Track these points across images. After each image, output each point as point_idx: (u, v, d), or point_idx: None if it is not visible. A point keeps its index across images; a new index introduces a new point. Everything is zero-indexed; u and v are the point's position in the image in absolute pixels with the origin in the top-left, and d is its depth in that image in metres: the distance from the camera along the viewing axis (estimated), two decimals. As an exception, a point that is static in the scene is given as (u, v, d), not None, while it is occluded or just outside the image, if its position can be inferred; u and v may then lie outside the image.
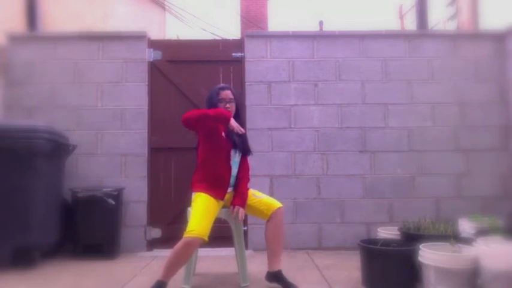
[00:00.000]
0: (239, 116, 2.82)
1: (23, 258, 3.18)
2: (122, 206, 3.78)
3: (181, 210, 3.53)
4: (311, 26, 14.90)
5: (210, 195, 2.56)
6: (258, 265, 3.25)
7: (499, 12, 7.28)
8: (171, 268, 2.41)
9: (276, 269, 2.65)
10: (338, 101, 3.98)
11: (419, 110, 3.99)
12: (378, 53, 4.03)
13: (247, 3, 12.33)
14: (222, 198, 2.64)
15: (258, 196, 2.75)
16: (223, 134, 2.64)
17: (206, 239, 2.41)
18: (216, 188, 2.60)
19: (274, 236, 2.64)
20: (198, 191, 2.59)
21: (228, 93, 2.74)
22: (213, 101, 2.72)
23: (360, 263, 2.77)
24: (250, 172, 3.85)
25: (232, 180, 2.72)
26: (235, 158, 2.74)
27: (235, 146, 2.70)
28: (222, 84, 2.91)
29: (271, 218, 2.64)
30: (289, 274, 3.05)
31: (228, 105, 2.70)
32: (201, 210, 2.48)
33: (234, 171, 2.75)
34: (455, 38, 4.13)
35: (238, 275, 2.76)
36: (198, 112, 2.60)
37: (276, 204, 2.68)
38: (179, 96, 4.01)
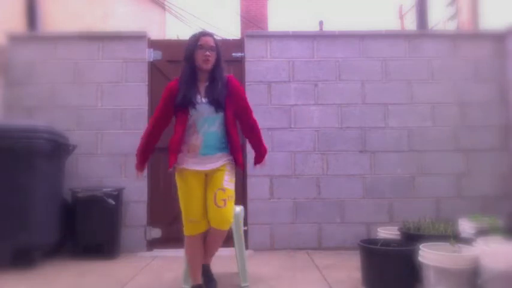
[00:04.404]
0: (219, 69, 2.46)
1: (23, 258, 3.18)
2: (122, 206, 3.78)
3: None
4: (311, 26, 14.91)
5: (185, 167, 2.45)
6: (258, 265, 3.26)
7: (499, 12, 7.29)
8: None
9: (206, 262, 2.62)
10: (338, 101, 3.98)
11: (419, 110, 3.99)
12: (378, 53, 4.03)
13: (247, 3, 12.33)
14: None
15: (218, 203, 2.36)
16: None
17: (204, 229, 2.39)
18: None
19: (209, 246, 2.51)
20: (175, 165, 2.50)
21: (209, 40, 2.42)
22: (189, 48, 2.42)
23: (360, 263, 2.77)
24: (250, 172, 3.89)
25: (210, 139, 2.43)
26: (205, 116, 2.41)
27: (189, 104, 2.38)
28: (203, 30, 2.54)
29: (212, 231, 2.42)
30: (289, 274, 3.06)
31: (207, 52, 2.38)
32: (183, 199, 2.44)
33: (209, 128, 2.43)
34: (455, 38, 4.13)
35: (238, 275, 2.76)
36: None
37: (222, 223, 2.36)
38: (179, 96, 4.01)
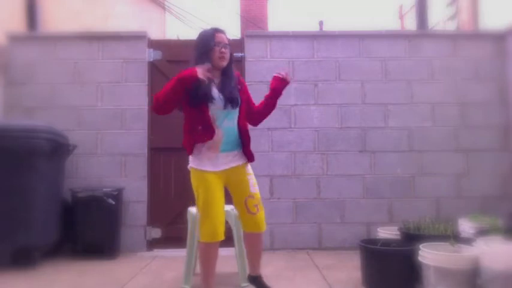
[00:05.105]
0: (232, 66, 2.42)
1: (23, 258, 3.19)
2: (122, 206, 3.78)
3: (181, 210, 3.54)
4: (311, 26, 14.90)
5: (205, 170, 2.32)
6: (258, 265, 3.25)
7: (499, 12, 7.29)
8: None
9: (255, 274, 2.55)
10: (338, 101, 3.98)
11: (419, 110, 3.99)
12: (378, 53, 4.03)
13: (247, 3, 12.32)
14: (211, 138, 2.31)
15: (251, 211, 2.40)
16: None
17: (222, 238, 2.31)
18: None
19: (251, 251, 2.54)
20: (192, 166, 2.37)
21: (223, 37, 2.38)
22: (209, 44, 2.32)
23: (360, 263, 2.77)
24: (251, 172, 3.87)
25: (230, 135, 2.37)
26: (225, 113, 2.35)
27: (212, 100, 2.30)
28: (216, 26, 2.46)
29: (248, 236, 2.50)
30: (289, 274, 3.06)
31: (223, 49, 2.34)
32: (203, 205, 2.30)
33: (229, 123, 2.37)
34: (455, 38, 4.14)
35: (238, 275, 2.76)
36: (164, 91, 2.25)
37: (260, 227, 2.44)
38: (179, 96, 4.01)
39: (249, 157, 2.47)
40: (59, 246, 3.55)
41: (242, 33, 10.73)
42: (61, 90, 3.94)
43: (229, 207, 2.75)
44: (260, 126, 3.95)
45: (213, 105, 2.31)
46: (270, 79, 3.91)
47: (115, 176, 3.88)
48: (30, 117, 3.84)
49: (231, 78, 2.40)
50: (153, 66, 4.04)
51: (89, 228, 3.56)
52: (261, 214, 2.44)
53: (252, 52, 4.02)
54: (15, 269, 3.11)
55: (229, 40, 2.42)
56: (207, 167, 2.34)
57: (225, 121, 2.36)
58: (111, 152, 3.91)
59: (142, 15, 9.20)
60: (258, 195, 2.46)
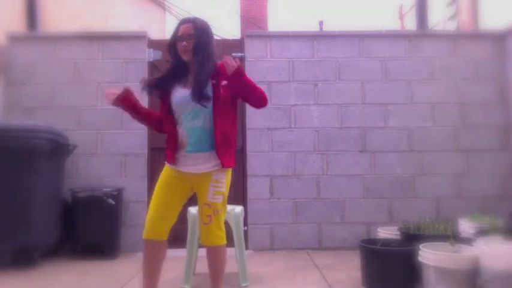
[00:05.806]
0: (199, 55, 2.13)
1: (23, 258, 3.18)
2: (122, 205, 3.78)
3: (181, 210, 3.53)
4: (311, 26, 14.90)
5: (170, 166, 2.24)
6: (258, 265, 3.26)
7: (499, 12, 7.28)
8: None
9: None
10: (338, 101, 3.98)
11: (419, 110, 3.99)
12: (378, 53, 4.03)
13: (247, 3, 12.32)
14: (173, 161, 2.20)
15: (203, 220, 2.18)
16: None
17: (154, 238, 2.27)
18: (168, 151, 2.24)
19: (209, 268, 2.29)
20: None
21: (187, 28, 2.14)
22: (173, 38, 2.22)
23: (360, 263, 2.77)
24: (250, 172, 3.89)
25: (194, 135, 2.15)
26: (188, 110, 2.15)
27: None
28: (186, 16, 2.29)
29: (206, 250, 2.25)
30: (289, 274, 3.07)
31: (184, 42, 2.12)
32: (152, 201, 2.27)
33: (193, 122, 2.15)
34: (455, 38, 4.14)
35: (238, 275, 2.76)
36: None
37: (208, 240, 2.20)
38: (179, 96, 4.01)
39: (222, 162, 2.15)
40: (59, 246, 3.55)
41: (242, 33, 10.73)
42: (61, 90, 3.94)
43: (228, 208, 2.75)
44: (260, 126, 3.99)
45: (175, 103, 2.18)
46: (270, 79, 3.99)
47: (115, 176, 3.88)
48: (30, 117, 3.84)
49: (198, 69, 2.13)
50: (153, 66, 4.03)
51: (89, 228, 3.56)
52: (214, 226, 2.17)
53: (252, 52, 4.02)
54: (15, 269, 3.11)
55: (199, 27, 2.16)
56: (176, 165, 2.22)
57: (188, 119, 2.16)
58: (111, 152, 3.91)
59: (142, 15, 9.20)
60: (217, 206, 2.17)
